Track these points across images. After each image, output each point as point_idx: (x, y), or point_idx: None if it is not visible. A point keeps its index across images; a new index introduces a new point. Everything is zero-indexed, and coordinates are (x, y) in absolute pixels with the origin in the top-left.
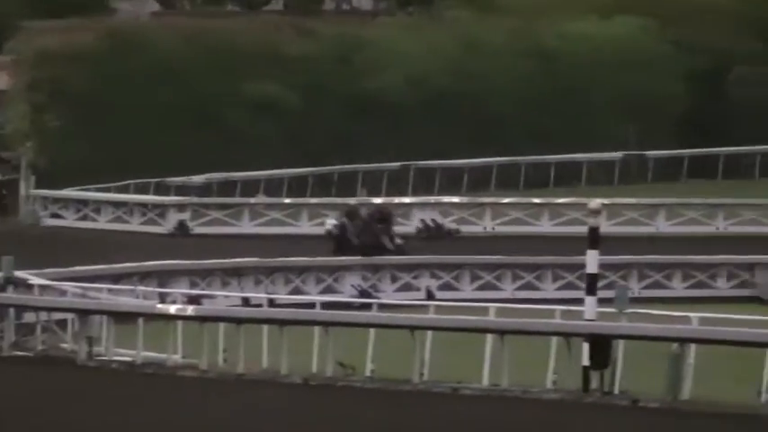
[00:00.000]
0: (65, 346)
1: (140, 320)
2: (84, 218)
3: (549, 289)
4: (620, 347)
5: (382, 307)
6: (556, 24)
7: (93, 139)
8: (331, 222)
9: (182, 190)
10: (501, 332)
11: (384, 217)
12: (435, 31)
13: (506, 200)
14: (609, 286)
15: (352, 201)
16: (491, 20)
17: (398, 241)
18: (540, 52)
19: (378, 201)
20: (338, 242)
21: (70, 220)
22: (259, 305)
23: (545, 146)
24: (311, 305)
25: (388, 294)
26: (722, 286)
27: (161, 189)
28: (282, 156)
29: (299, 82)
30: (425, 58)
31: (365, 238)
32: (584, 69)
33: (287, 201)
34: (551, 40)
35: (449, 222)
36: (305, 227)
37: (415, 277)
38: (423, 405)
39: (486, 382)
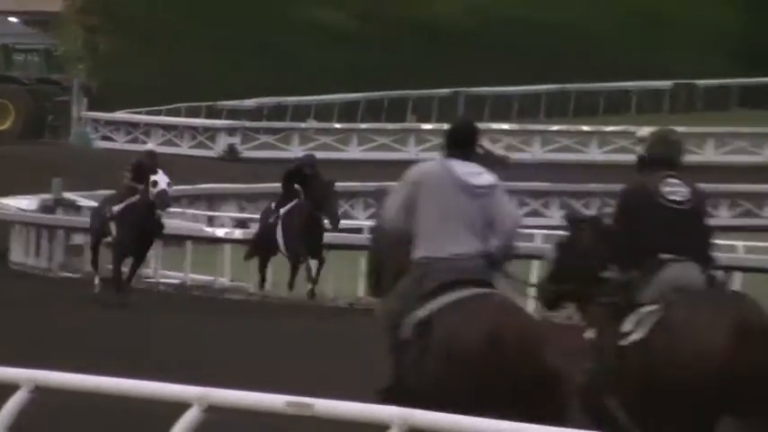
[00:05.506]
0: None
1: (188, 243)
2: (135, 140)
3: None
4: None
5: None
6: None
7: (145, 63)
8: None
9: (232, 114)
10: None
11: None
12: None
13: (555, 127)
14: None
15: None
16: None
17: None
18: None
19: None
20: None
21: (120, 143)
22: None
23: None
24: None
25: None
26: None
27: (212, 113)
28: (336, 82)
29: (356, 7)
30: None
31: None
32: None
33: (337, 126)
34: None
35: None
36: (355, 152)
37: None
38: None
39: None
